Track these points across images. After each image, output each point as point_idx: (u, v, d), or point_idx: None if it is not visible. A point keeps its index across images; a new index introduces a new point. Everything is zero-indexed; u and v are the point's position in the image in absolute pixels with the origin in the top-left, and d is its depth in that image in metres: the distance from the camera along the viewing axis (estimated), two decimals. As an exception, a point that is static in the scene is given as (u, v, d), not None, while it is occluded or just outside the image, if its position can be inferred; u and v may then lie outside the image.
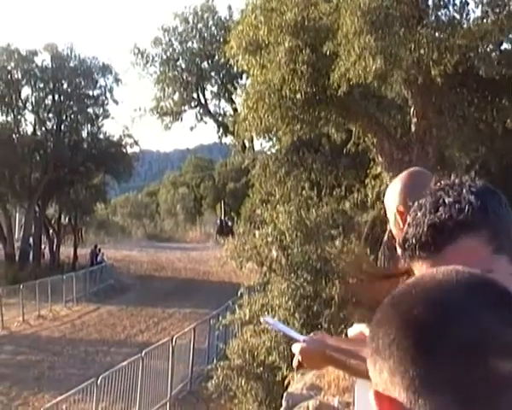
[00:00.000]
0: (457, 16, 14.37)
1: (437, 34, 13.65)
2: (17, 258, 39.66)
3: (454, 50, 13.04)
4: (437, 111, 15.26)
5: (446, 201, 1.55)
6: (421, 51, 12.90)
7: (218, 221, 57.52)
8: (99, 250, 42.68)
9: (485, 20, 13.84)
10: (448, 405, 0.95)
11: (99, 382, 13.20)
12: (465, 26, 14.02)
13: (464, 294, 1.01)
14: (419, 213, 1.55)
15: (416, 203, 1.59)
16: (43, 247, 43.11)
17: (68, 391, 13.21)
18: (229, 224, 53.55)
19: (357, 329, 3.15)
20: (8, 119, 41.16)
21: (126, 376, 14.52)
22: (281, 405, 9.20)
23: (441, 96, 15.04)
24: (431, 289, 1.02)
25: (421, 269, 1.52)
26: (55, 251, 42.54)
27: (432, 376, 0.95)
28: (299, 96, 14.68)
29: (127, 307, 29.83)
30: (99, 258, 41.35)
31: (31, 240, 41.33)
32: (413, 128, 15.48)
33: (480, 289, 1.02)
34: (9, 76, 40.32)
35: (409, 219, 1.57)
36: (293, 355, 2.90)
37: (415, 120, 15.37)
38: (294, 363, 2.84)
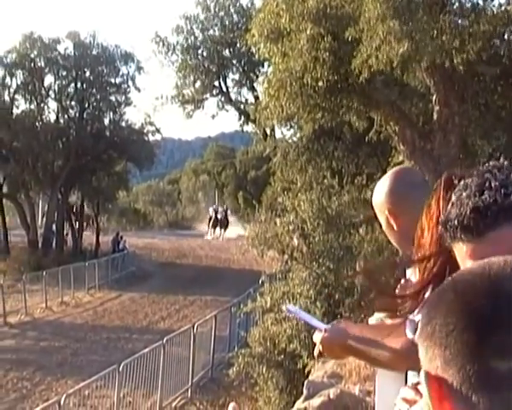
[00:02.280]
0: (481, 2, 14.24)
1: (460, 21, 13.54)
2: (40, 245, 39.90)
3: (477, 37, 12.92)
4: (459, 99, 15.13)
5: (492, 184, 1.46)
6: (444, 38, 12.79)
7: (212, 211, 54.55)
8: (121, 238, 42.82)
9: (510, 6, 13.70)
10: (507, 402, 0.92)
11: (121, 368, 13.26)
12: (489, 12, 13.88)
13: None
14: (464, 194, 1.47)
15: (462, 182, 1.53)
16: (65, 234, 43.33)
17: (90, 377, 13.28)
18: (226, 213, 53.53)
19: (378, 318, 3.12)
20: (32, 107, 41.31)
21: (148, 363, 14.57)
22: (301, 393, 9.19)
23: (464, 83, 14.92)
24: (498, 281, 0.98)
25: (461, 251, 1.46)
26: (77, 238, 42.74)
27: (493, 374, 0.92)
28: (320, 83, 14.60)
29: (149, 295, 29.92)
30: (121, 245, 41.49)
31: (53, 227, 41.52)
32: (435, 116, 15.36)
33: None
34: (32, 64, 40.43)
35: (453, 197, 1.51)
36: (314, 344, 2.88)
37: (437, 108, 15.25)
38: (315, 352, 2.81)
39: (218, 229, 53.90)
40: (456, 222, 1.46)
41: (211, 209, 55.42)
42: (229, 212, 56.21)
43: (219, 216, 54.15)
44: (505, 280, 0.98)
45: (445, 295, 1.00)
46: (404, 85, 16.52)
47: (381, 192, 2.77)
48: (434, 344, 0.97)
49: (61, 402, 11.19)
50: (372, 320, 3.11)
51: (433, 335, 0.97)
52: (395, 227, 2.72)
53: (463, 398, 0.93)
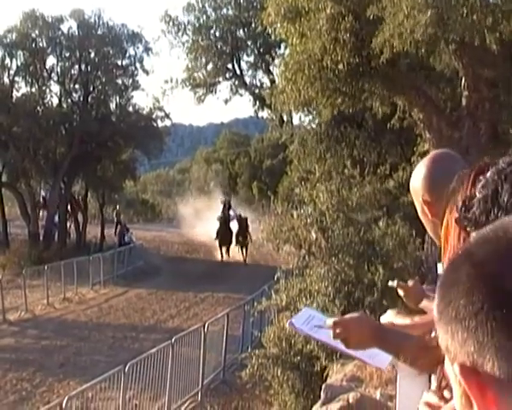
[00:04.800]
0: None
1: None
2: (41, 237, 39.99)
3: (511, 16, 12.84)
4: (490, 84, 15.06)
5: None
6: (474, 17, 12.72)
7: (221, 214, 42.13)
8: (127, 230, 42.87)
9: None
10: None
11: (127, 369, 13.29)
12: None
13: None
14: (488, 193, 1.46)
15: (486, 179, 1.50)
16: (68, 226, 43.41)
17: (94, 378, 13.32)
18: (245, 221, 40.81)
19: (389, 318, 3.13)
20: (33, 90, 41.31)
21: (156, 363, 14.60)
22: (319, 397, 9.21)
23: (495, 67, 14.84)
24: None
25: None
26: (81, 230, 42.80)
27: None
28: (341, 66, 14.58)
29: (157, 291, 29.99)
30: (126, 238, 41.48)
31: (56, 219, 41.60)
32: (464, 102, 15.31)
33: None
34: (34, 44, 40.48)
35: (479, 186, 1.50)
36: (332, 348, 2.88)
37: (466, 93, 15.20)
38: (334, 334, 2.73)
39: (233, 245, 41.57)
40: (477, 213, 1.46)
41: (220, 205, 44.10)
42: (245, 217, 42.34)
43: (231, 219, 42.22)
44: None
45: (462, 270, 0.98)
46: (430, 69, 16.47)
47: (417, 178, 2.77)
48: (462, 327, 0.95)
49: (63, 405, 11.24)
50: (384, 318, 3.13)
51: (458, 316, 0.96)
52: (429, 216, 2.72)
53: (507, 382, 0.92)
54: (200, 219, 47.54)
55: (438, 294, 1.02)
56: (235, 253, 40.81)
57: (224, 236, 40.71)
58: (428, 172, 2.73)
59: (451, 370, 0.99)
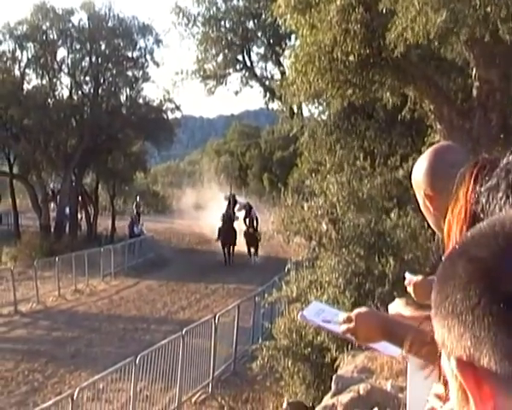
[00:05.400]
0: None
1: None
2: (52, 229, 40.13)
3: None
4: (501, 74, 15.00)
5: None
6: (488, 9, 12.66)
7: (226, 212, 38.46)
8: (138, 220, 42.90)
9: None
10: None
11: (138, 361, 13.32)
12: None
13: None
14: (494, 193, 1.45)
15: (492, 177, 1.48)
16: (79, 218, 43.51)
17: (106, 370, 13.37)
18: (256, 219, 37.87)
19: (397, 308, 3.13)
20: (43, 82, 41.44)
21: (166, 355, 14.64)
22: (330, 388, 9.22)
23: (506, 57, 14.78)
24: None
25: None
26: (92, 222, 42.91)
27: None
28: (351, 58, 14.53)
29: (168, 283, 30.04)
30: (137, 230, 41.50)
31: (67, 210, 41.69)
32: (475, 92, 15.25)
33: None
34: (44, 36, 40.55)
35: (482, 199, 1.49)
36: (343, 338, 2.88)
37: (477, 83, 15.13)
38: (344, 328, 2.76)
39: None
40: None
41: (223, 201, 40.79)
42: (255, 211, 38.95)
43: (239, 209, 39.25)
44: None
45: (458, 264, 0.98)
46: (441, 60, 16.40)
47: (418, 171, 2.77)
48: (459, 321, 0.95)
49: (75, 396, 11.27)
50: (392, 308, 3.13)
51: (455, 311, 0.95)
52: (431, 209, 2.72)
53: (504, 376, 0.92)
54: (204, 210, 47.30)
55: (434, 288, 1.02)
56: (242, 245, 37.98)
57: (226, 235, 37.12)
58: (430, 165, 2.72)
59: (448, 365, 0.99)
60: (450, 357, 0.98)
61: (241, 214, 39.00)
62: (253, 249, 37.53)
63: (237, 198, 41.33)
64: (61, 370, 17.83)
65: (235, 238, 37.25)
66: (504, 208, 1.36)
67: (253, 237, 37.09)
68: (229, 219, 37.97)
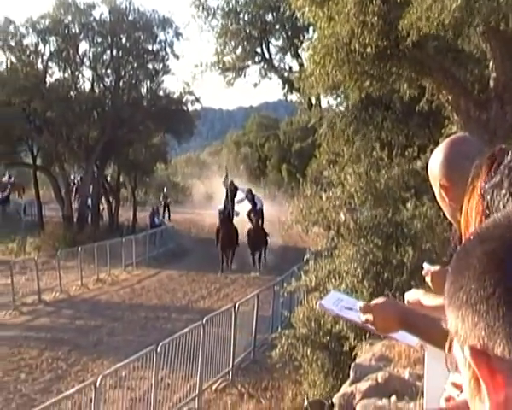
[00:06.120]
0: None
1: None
2: (75, 220, 40.31)
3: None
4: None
5: None
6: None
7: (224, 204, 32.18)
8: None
9: None
10: None
11: (159, 349, 13.36)
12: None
13: None
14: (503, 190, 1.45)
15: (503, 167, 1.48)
16: (101, 209, 43.68)
17: (128, 358, 13.42)
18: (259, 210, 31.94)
19: (416, 295, 3.13)
20: (66, 75, 41.61)
21: (187, 343, 14.67)
22: (348, 376, 9.21)
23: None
24: None
25: None
26: (113, 213, 43.08)
27: None
28: (369, 50, 14.48)
29: (188, 272, 30.09)
30: (157, 220, 41.67)
31: (89, 201, 41.88)
32: (491, 84, 15.17)
33: None
34: (66, 30, 40.68)
35: (490, 196, 1.49)
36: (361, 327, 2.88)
37: (493, 75, 15.05)
38: (363, 318, 2.77)
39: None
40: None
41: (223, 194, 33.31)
42: (259, 200, 33.03)
43: (240, 202, 32.54)
44: None
45: (473, 255, 0.98)
46: (458, 51, 16.33)
47: (434, 162, 2.78)
48: (473, 311, 0.95)
49: (97, 383, 11.32)
50: (409, 296, 3.13)
51: (469, 301, 0.96)
52: (447, 200, 2.72)
53: None
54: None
55: (448, 279, 1.02)
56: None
57: (225, 238, 31.01)
58: (445, 157, 2.73)
59: (460, 354, 0.99)
60: (464, 346, 0.98)
61: (242, 207, 32.97)
62: (257, 255, 31.77)
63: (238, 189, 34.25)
64: (84, 358, 17.92)
65: (237, 240, 31.92)
66: (508, 205, 1.37)
67: (258, 238, 31.42)
68: (227, 217, 31.91)
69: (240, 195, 32.86)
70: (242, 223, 32.63)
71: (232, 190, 33.08)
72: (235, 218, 32.93)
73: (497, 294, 0.93)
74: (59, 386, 15.75)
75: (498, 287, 0.93)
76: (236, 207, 33.02)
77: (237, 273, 29.61)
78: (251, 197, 32.42)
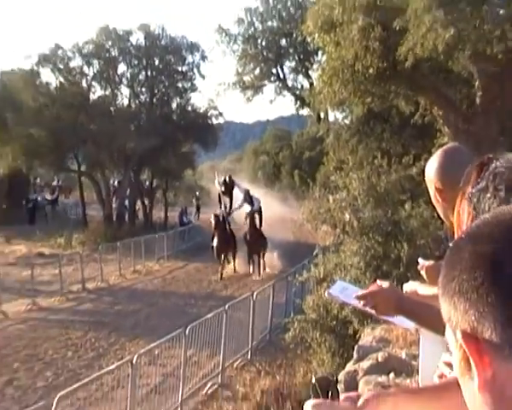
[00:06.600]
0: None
1: (501, 12, 13.28)
2: (114, 219, 40.47)
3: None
4: (500, 85, 14.86)
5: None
6: (486, 28, 12.57)
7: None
8: (186, 212, 43.08)
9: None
10: None
11: (187, 331, 13.37)
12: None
13: None
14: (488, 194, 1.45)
15: (488, 174, 1.47)
16: (137, 209, 43.85)
17: (160, 339, 13.45)
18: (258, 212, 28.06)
19: (413, 285, 3.13)
20: (107, 93, 41.83)
21: (211, 326, 14.68)
22: (352, 356, 9.19)
23: (505, 70, 14.64)
24: None
25: None
26: (148, 212, 43.24)
27: None
28: (371, 71, 14.50)
29: (212, 264, 30.00)
30: (185, 219, 41.78)
31: (126, 203, 42.05)
32: (478, 101, 15.12)
33: None
34: (107, 54, 40.91)
35: (476, 188, 1.49)
36: (364, 312, 2.88)
37: (479, 93, 15.00)
38: (364, 304, 2.76)
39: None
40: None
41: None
42: (257, 200, 28.51)
43: (239, 207, 28.00)
44: None
45: (465, 250, 0.98)
46: (448, 72, 16.29)
47: (431, 168, 2.79)
48: (465, 299, 0.95)
49: (134, 361, 11.35)
50: (407, 287, 3.12)
51: (461, 290, 0.96)
52: (440, 201, 2.73)
53: (502, 348, 0.92)
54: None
55: (442, 271, 1.02)
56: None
57: (221, 241, 27.51)
58: (440, 163, 2.75)
59: (452, 337, 1.00)
60: (456, 330, 0.98)
61: (242, 210, 28.79)
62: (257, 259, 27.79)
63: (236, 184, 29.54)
64: (122, 338, 17.95)
65: (235, 242, 28.35)
66: (492, 207, 1.37)
67: (256, 242, 27.41)
68: (222, 220, 28.31)
69: (238, 197, 28.75)
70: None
71: (231, 185, 29.16)
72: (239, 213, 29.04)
73: (486, 285, 0.93)
74: (100, 363, 15.79)
75: (487, 279, 0.93)
76: (236, 213, 29.63)
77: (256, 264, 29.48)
78: (249, 200, 28.25)
